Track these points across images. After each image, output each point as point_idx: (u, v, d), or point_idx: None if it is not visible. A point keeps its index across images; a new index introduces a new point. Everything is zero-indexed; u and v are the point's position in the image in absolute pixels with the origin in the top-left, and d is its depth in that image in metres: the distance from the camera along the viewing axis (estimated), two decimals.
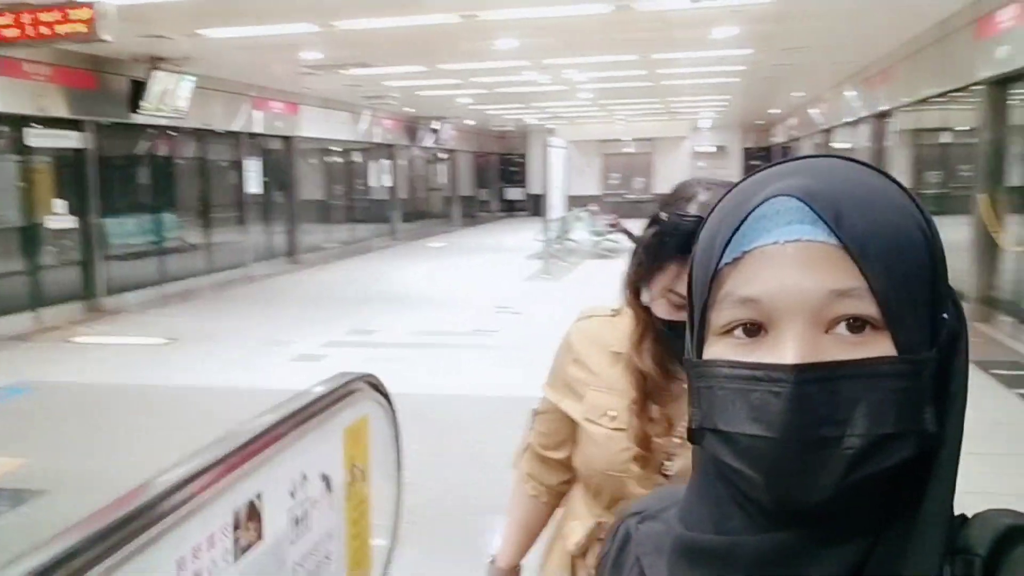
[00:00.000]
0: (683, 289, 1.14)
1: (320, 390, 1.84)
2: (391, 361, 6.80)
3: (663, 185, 22.83)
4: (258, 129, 14.14)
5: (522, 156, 29.83)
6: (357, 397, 2.01)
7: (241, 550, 1.49)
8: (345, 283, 13.21)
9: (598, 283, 11.24)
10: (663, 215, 1.26)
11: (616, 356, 1.39)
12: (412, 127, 21.22)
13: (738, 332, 0.55)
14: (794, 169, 0.57)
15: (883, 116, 12.59)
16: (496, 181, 30.32)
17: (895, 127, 12.19)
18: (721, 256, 0.56)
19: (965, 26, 8.58)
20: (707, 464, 0.60)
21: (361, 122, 18.27)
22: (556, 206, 14.95)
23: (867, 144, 13.40)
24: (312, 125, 15.97)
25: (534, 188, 27.60)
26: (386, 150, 20.23)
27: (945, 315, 0.55)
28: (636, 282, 1.33)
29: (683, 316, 1.19)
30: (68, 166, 10.15)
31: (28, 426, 5.69)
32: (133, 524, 1.17)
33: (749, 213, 0.55)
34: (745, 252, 0.55)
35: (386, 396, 2.11)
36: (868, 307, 0.52)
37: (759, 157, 27.69)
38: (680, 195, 1.28)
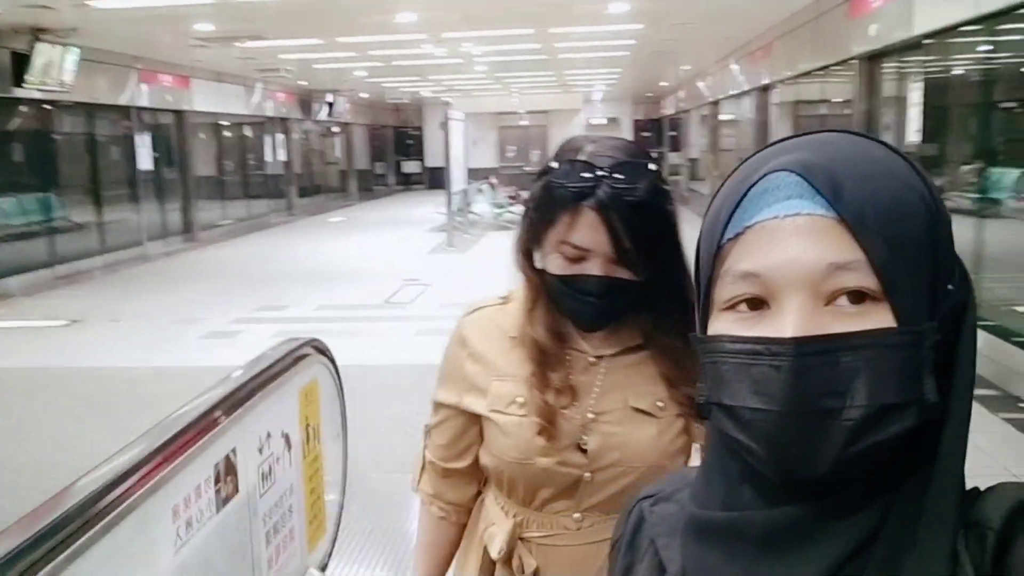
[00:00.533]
0: (577, 239, 1.21)
1: (278, 353, 1.97)
2: (307, 335, 6.80)
3: None
4: (148, 103, 13.62)
5: (418, 129, 29.60)
6: (309, 361, 2.15)
7: (223, 501, 1.63)
8: (247, 260, 12.98)
9: (501, 254, 11.42)
10: (552, 164, 1.25)
11: (514, 341, 1.34)
12: (306, 100, 20.80)
13: (741, 307, 0.56)
14: (795, 144, 0.58)
15: (766, 89, 13.08)
16: (392, 154, 30.01)
17: (777, 99, 12.80)
18: (723, 232, 0.57)
19: (839, 4, 9.12)
20: (717, 440, 0.60)
21: (254, 96, 17.83)
22: (457, 179, 15.02)
23: (751, 116, 13.90)
24: (204, 99, 15.48)
25: (431, 161, 27.52)
26: (280, 124, 19.80)
27: (950, 286, 0.55)
28: (528, 243, 1.32)
29: (577, 269, 1.27)
30: None
31: None
32: (138, 472, 1.30)
33: (749, 188, 0.56)
34: (746, 227, 0.56)
35: (331, 359, 2.25)
36: (867, 279, 0.52)
37: (649, 128, 28.44)
38: (567, 148, 1.28)
